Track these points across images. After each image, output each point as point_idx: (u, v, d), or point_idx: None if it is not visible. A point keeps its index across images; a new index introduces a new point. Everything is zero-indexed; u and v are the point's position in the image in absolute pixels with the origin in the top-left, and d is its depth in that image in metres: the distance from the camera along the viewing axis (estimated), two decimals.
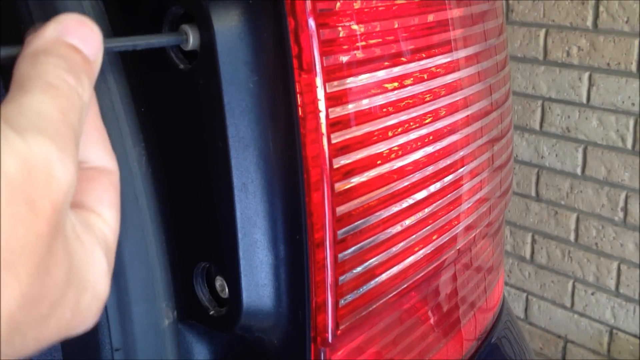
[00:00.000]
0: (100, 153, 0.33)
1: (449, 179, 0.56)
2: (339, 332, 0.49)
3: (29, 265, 0.24)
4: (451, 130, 0.56)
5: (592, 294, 1.99)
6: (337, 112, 0.45)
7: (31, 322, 0.26)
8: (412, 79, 0.51)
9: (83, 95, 0.29)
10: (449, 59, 0.55)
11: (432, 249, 0.56)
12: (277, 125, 0.45)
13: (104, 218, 0.31)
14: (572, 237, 2.00)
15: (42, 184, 0.25)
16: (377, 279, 0.51)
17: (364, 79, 0.47)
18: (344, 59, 0.46)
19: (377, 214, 0.49)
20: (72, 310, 0.28)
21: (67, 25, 0.30)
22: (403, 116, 0.50)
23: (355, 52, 0.46)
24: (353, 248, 0.48)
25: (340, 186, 0.46)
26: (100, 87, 0.47)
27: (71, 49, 0.29)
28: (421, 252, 0.55)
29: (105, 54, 0.47)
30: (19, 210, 0.24)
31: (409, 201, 0.52)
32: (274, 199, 0.47)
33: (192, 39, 0.44)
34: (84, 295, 0.28)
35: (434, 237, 0.56)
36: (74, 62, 0.29)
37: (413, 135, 0.52)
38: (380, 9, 0.48)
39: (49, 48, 0.29)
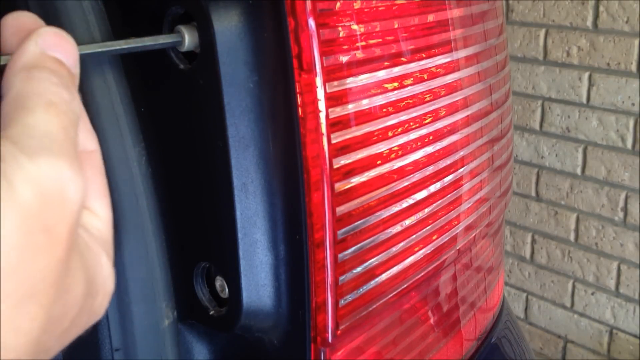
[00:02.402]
0: (79, 134, 0.32)
1: (449, 179, 0.56)
2: (339, 332, 0.49)
3: (50, 292, 0.24)
4: (451, 130, 0.56)
5: (592, 294, 1.99)
6: (337, 112, 0.45)
7: (55, 339, 0.26)
8: (412, 79, 0.51)
9: (76, 108, 0.29)
10: (449, 59, 0.55)
11: (432, 249, 0.56)
12: (277, 125, 0.45)
13: (96, 213, 0.31)
14: (572, 237, 2.00)
15: (58, 208, 0.24)
16: (377, 279, 0.51)
17: (364, 79, 0.47)
18: (344, 59, 0.46)
19: (377, 214, 0.49)
20: (88, 315, 0.28)
21: (48, 39, 0.30)
22: (403, 116, 0.50)
23: (355, 52, 0.46)
24: (353, 248, 0.48)
25: (340, 186, 0.46)
26: (100, 87, 0.47)
27: (58, 63, 0.29)
28: (421, 252, 0.55)
29: (104, 55, 0.47)
30: (38, 240, 0.23)
31: (409, 201, 0.52)
32: (274, 199, 0.47)
33: (187, 40, 0.44)
34: (96, 299, 0.29)
35: (434, 237, 0.56)
36: (64, 76, 0.29)
37: (413, 135, 0.52)
38: (380, 9, 0.48)
39: (38, 62, 0.29)
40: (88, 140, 0.33)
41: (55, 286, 0.24)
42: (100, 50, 0.41)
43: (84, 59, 0.46)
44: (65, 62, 0.30)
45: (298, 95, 0.44)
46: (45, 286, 0.24)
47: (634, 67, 1.79)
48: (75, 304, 0.26)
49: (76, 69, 0.31)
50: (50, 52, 0.30)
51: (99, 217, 0.31)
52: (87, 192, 0.31)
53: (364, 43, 0.47)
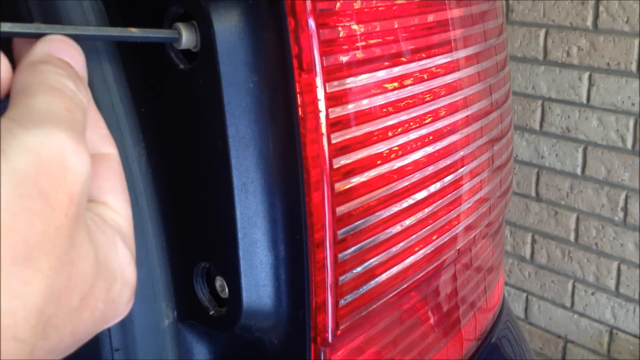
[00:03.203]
0: (93, 137, 0.33)
1: (449, 179, 0.56)
2: (339, 332, 0.49)
3: (51, 258, 0.24)
4: (451, 130, 0.56)
5: (592, 294, 1.99)
6: (337, 112, 0.45)
7: (63, 316, 0.26)
8: (412, 79, 0.51)
9: (83, 100, 0.29)
10: (449, 59, 0.55)
11: (432, 249, 0.56)
12: (277, 125, 0.45)
13: (112, 207, 0.31)
14: (572, 237, 2.00)
15: (56, 176, 0.25)
16: (377, 279, 0.51)
17: (364, 79, 0.47)
18: (344, 59, 0.46)
19: (377, 214, 0.49)
20: (104, 302, 0.28)
21: (55, 44, 0.31)
22: (403, 116, 0.50)
23: (355, 52, 0.46)
24: (353, 248, 0.48)
25: (340, 186, 0.46)
26: (100, 87, 0.47)
27: (63, 62, 0.30)
28: (421, 252, 0.55)
29: (104, 47, 0.47)
30: (33, 204, 0.24)
31: (409, 201, 0.52)
32: (274, 199, 0.47)
33: (185, 37, 0.44)
34: (113, 286, 0.29)
35: (434, 237, 0.56)
36: (69, 71, 0.30)
37: (413, 135, 0.52)
38: (380, 9, 0.48)
39: (45, 59, 0.29)
40: (105, 144, 0.33)
41: (55, 254, 0.24)
42: (95, 33, 0.40)
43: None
44: (73, 65, 0.31)
45: (298, 95, 0.44)
46: (43, 252, 0.24)
47: (634, 67, 1.79)
48: (84, 281, 0.26)
49: (84, 74, 0.32)
50: (57, 54, 0.30)
51: (116, 212, 0.31)
52: (103, 188, 0.31)
53: (364, 43, 0.47)
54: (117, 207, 0.31)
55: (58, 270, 0.25)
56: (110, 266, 0.28)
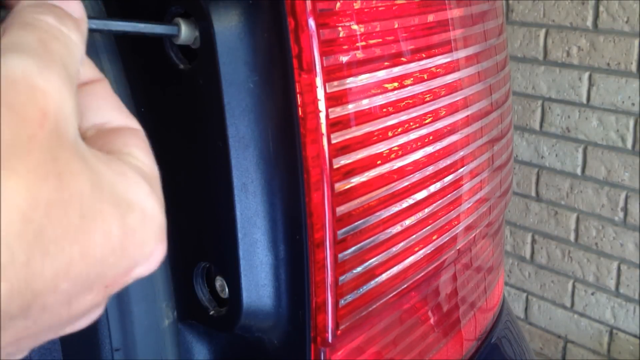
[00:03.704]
0: (117, 114, 0.32)
1: (449, 179, 0.56)
2: (339, 332, 0.49)
3: (27, 163, 0.24)
4: (451, 130, 0.56)
5: (592, 294, 1.99)
6: (337, 112, 0.45)
7: (63, 231, 0.25)
8: (412, 79, 0.51)
9: (70, 35, 0.29)
10: (449, 59, 0.55)
11: (432, 249, 0.56)
12: (277, 125, 0.45)
13: (135, 156, 0.31)
14: (572, 237, 2.00)
15: (24, 93, 0.25)
16: (377, 279, 0.51)
17: (364, 79, 0.47)
18: (344, 59, 0.46)
19: (377, 214, 0.49)
20: (119, 227, 0.27)
21: None
22: (403, 116, 0.50)
23: (355, 52, 0.46)
24: (353, 248, 0.48)
25: (340, 186, 0.46)
26: None
27: (46, 3, 0.30)
28: (421, 252, 0.55)
29: (105, 46, 0.47)
30: (1, 114, 0.24)
31: (409, 201, 0.52)
32: (274, 199, 0.47)
33: (184, 32, 0.44)
34: (129, 214, 0.28)
35: (434, 237, 0.56)
36: (52, 9, 0.29)
37: (413, 135, 0.52)
38: (380, 9, 0.48)
39: (26, 4, 0.29)
40: (131, 121, 0.33)
41: (32, 160, 0.24)
42: (92, 26, 0.40)
43: None
44: (64, 7, 0.30)
45: (298, 95, 0.44)
46: (15, 155, 0.24)
47: (634, 67, 1.79)
48: (80, 199, 0.26)
49: (79, 15, 0.31)
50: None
51: (140, 161, 0.31)
52: (129, 143, 0.31)
53: (364, 43, 0.47)
54: (142, 159, 0.31)
55: (40, 177, 0.25)
56: (118, 193, 0.28)
